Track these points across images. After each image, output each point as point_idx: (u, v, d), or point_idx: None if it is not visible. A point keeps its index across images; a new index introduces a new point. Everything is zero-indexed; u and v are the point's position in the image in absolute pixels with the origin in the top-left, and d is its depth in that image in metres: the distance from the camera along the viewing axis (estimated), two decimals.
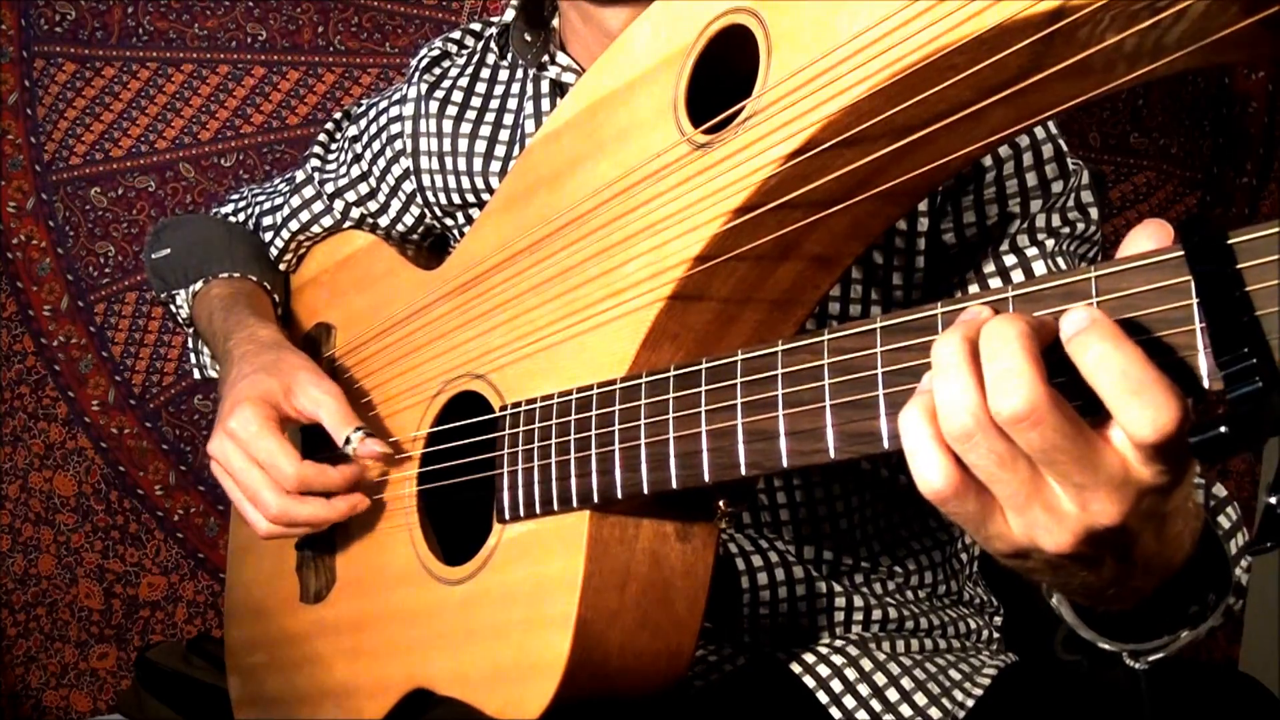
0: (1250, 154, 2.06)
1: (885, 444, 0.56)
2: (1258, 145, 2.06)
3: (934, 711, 0.90)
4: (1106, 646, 0.71)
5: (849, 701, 0.91)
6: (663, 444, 0.68)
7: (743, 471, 0.63)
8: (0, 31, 1.77)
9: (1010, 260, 0.88)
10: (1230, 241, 0.44)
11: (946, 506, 0.51)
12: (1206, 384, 0.45)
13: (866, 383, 0.57)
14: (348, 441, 0.91)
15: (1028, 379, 0.47)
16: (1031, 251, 0.87)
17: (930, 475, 0.50)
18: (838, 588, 0.96)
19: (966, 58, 0.55)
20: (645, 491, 0.70)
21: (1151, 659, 0.71)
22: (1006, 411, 0.47)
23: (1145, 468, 0.49)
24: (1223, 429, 0.42)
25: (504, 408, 0.82)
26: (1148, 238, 0.49)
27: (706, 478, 0.66)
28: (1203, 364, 0.45)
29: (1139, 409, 0.46)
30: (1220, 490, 0.80)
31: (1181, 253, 0.45)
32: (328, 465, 0.91)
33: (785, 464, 0.61)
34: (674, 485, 0.68)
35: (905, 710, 0.90)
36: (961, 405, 0.48)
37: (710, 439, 0.65)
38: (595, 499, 0.73)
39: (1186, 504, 0.57)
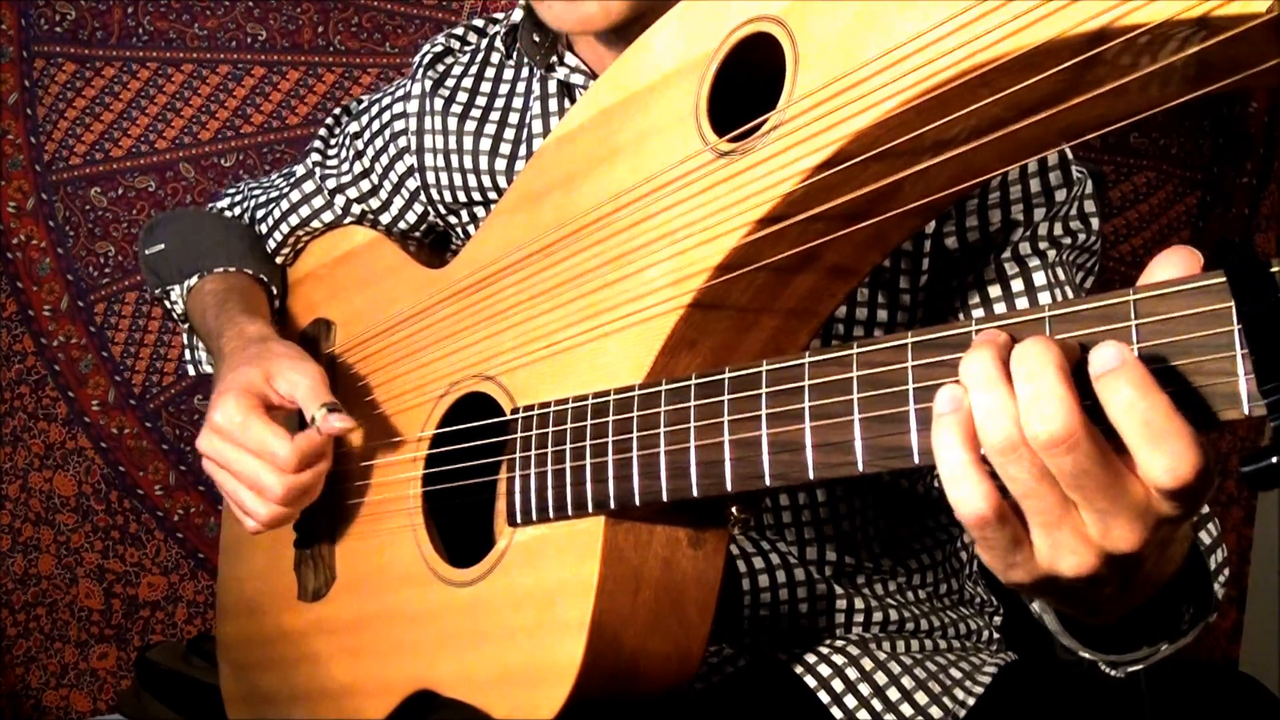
0: (1250, 154, 2.07)
1: (916, 459, 0.56)
2: (1258, 145, 2.06)
3: (935, 710, 0.91)
4: (1087, 656, 0.72)
5: (850, 701, 0.92)
6: (683, 452, 0.68)
7: (767, 482, 0.64)
8: (0, 31, 1.74)
9: (1011, 269, 0.87)
10: (1274, 270, 0.44)
11: (984, 531, 0.51)
12: (1247, 409, 0.46)
13: (897, 397, 0.57)
14: (314, 420, 0.92)
15: (1065, 403, 0.47)
16: (1033, 261, 0.87)
17: (971, 499, 0.50)
18: (839, 589, 0.96)
19: (1002, 77, 0.55)
20: (665, 499, 0.70)
21: (1131, 670, 0.73)
22: (1044, 435, 0.48)
23: (1165, 502, 0.49)
24: (1275, 459, 0.42)
25: (516, 410, 0.82)
26: (1176, 265, 0.50)
27: (729, 487, 0.66)
28: (1244, 389, 0.46)
29: (1159, 458, 0.47)
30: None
31: (1224, 279, 0.46)
32: (313, 431, 0.92)
33: (812, 476, 0.61)
34: (695, 493, 0.68)
35: (906, 709, 0.91)
36: (1005, 415, 0.49)
37: (734, 449, 0.65)
38: (611, 505, 0.73)
39: (1187, 526, 0.58)
